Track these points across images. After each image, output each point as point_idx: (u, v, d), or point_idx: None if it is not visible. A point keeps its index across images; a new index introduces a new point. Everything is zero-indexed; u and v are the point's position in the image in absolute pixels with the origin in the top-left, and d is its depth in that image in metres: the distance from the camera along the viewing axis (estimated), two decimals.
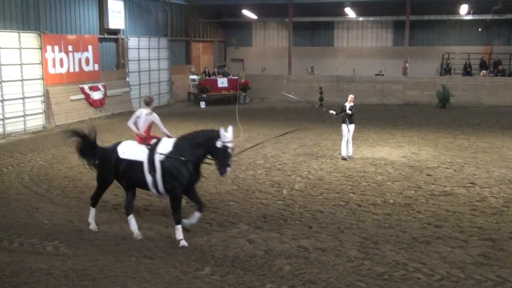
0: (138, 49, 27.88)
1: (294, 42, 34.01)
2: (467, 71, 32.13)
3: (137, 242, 8.95)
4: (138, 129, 9.29)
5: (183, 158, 8.71)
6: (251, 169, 14.31)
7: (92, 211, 9.70)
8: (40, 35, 21.36)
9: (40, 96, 21.58)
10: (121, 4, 26.44)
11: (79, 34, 24.02)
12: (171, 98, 30.78)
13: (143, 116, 9.32)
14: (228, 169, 8.84)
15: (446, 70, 32.91)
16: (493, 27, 32.83)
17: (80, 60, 23.73)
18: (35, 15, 21.37)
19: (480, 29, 33.47)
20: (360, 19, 34.40)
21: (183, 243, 8.71)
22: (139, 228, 9.52)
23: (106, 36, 25.93)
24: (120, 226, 9.76)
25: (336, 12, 33.37)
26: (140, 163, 8.90)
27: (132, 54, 27.46)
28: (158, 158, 8.78)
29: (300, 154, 16.24)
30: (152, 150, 8.89)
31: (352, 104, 15.17)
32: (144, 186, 9.04)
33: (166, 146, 8.88)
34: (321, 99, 28.85)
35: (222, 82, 30.99)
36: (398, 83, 30.75)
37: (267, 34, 38.33)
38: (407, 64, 31.15)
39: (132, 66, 27.53)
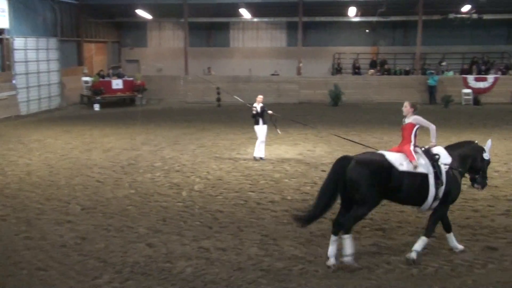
0: (25, 50, 26.35)
1: (190, 42, 33.86)
2: (355, 70, 33.77)
3: (28, 254, 8.48)
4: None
5: (460, 170, 8.32)
6: (149, 171, 14.06)
7: (348, 241, 7.95)
8: None
9: None
10: (4, 2, 24.87)
11: None
12: (62, 101, 29.42)
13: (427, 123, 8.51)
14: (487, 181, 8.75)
15: (337, 69, 34.35)
16: (378, 29, 34.73)
17: None
18: None
19: (367, 31, 35.28)
20: (255, 20, 34.97)
21: (414, 255, 8.08)
22: (41, 238, 9.06)
23: None
24: (8, 237, 9.19)
25: (231, 12, 33.66)
26: (424, 176, 8.01)
27: (18, 55, 25.89)
28: (444, 169, 8.10)
29: (198, 155, 16.20)
30: (436, 161, 8.12)
31: (262, 104, 15.35)
32: (417, 201, 8.15)
33: (445, 156, 8.26)
34: (218, 100, 29.01)
35: (117, 83, 30.21)
36: (292, 82, 31.65)
37: (163, 35, 37.84)
38: (301, 64, 32.14)
39: (18, 68, 25.96)
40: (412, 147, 8.26)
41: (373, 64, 34.07)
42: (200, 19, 34.54)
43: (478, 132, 19.72)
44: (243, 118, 21.70)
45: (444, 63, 33.07)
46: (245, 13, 33.32)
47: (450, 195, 8.19)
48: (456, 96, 29.20)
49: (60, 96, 29.34)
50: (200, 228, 9.72)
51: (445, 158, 8.22)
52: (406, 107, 8.59)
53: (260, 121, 15.34)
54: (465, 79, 30.31)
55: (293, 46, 34.27)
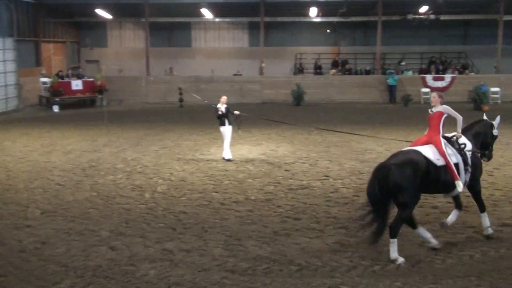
0: None
1: (151, 42, 33.51)
2: (317, 70, 34.09)
3: None
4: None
5: (478, 151, 8.99)
6: (111, 173, 13.85)
7: (394, 245, 8.14)
8: None
9: None
10: None
11: None
12: (20, 102, 28.68)
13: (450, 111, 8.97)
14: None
15: (299, 69, 34.60)
16: (339, 29, 35.09)
17: None
18: None
19: (328, 31, 35.61)
20: (217, 20, 34.87)
21: (490, 231, 9.03)
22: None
23: None
24: None
25: (192, 12, 33.46)
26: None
27: None
28: (469, 156, 8.68)
29: (161, 156, 16.05)
30: (462, 150, 8.67)
31: (225, 105, 15.31)
32: (448, 189, 8.58)
33: (468, 144, 8.82)
34: (180, 100, 28.83)
35: (77, 84, 29.67)
36: (255, 82, 31.72)
37: (123, 35, 37.34)
38: (263, 64, 32.24)
39: None
40: (443, 143, 8.59)
41: (334, 64, 34.43)
42: (161, 19, 34.22)
43: None
44: (206, 119, 21.64)
45: (403, 63, 33.71)
46: (206, 13, 33.19)
47: (477, 175, 8.90)
48: (416, 95, 29.74)
49: (17, 98, 28.57)
50: (164, 230, 9.64)
51: (469, 146, 8.81)
52: (435, 98, 9.11)
53: (226, 121, 15.34)
54: (423, 79, 30.95)
55: (255, 46, 34.32)
